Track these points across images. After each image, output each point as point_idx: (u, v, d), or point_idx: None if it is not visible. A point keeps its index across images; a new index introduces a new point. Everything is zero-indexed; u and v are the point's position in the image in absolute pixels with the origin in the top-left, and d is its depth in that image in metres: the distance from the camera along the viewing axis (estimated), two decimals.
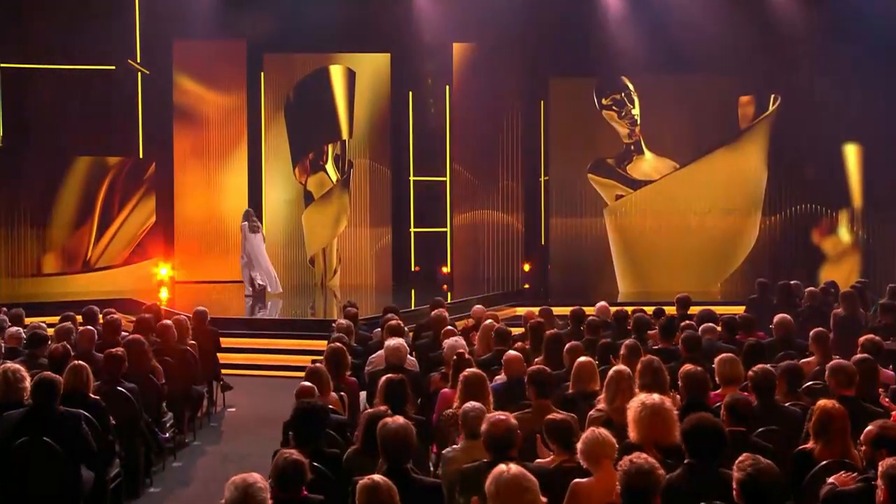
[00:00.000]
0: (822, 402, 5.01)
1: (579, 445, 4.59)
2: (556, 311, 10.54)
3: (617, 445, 4.56)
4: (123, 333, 9.07)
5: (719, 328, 8.63)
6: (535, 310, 9.99)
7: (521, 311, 13.25)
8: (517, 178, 18.46)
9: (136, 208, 17.63)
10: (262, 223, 16.77)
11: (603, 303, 10.50)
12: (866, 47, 15.44)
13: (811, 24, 16.62)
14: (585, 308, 9.62)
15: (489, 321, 8.65)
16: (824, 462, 4.79)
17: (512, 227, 18.49)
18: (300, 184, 18.45)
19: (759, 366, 6.01)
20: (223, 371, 10.65)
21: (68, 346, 7.60)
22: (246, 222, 16.22)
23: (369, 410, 5.61)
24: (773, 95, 17.50)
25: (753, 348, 7.05)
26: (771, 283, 12.01)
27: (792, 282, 11.66)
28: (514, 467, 3.86)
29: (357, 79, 18.37)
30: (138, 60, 17.66)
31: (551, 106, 18.34)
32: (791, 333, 8.42)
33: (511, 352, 7.10)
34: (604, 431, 4.60)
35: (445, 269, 18.71)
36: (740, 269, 17.67)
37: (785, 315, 8.66)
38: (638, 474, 3.91)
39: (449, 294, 16.71)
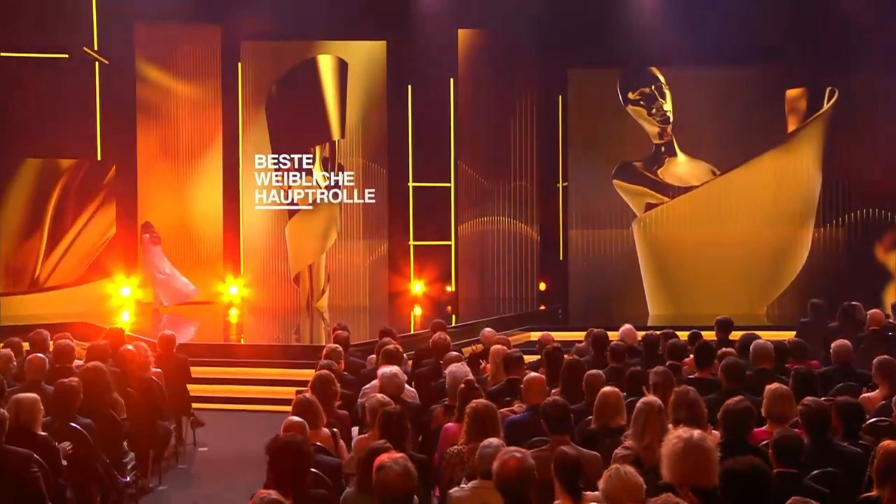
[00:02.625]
0: (885, 443, 4.98)
1: (601, 484, 4.56)
2: (576, 335, 10.55)
3: (645, 487, 4.54)
4: (78, 362, 9.07)
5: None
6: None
7: (535, 335, 13.23)
8: (531, 184, 18.49)
9: (93, 218, 17.62)
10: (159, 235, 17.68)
11: (628, 326, 10.48)
12: None
13: (871, 6, 16.62)
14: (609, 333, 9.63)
15: (499, 346, 8.65)
16: None
17: (526, 240, 18.51)
18: (283, 191, 18.48)
19: (810, 398, 5.99)
20: (194, 405, 10.66)
21: (1, 378, 7.56)
22: (147, 234, 17.38)
23: (370, 445, 5.59)
24: (828, 89, 17.51)
25: (804, 377, 7.03)
26: (825, 304, 11.98)
27: (854, 303, 11.63)
28: None
29: (349, 70, 18.43)
30: (95, 48, 17.70)
31: (570, 100, 18.39)
32: (851, 361, 8.41)
33: (532, 374, 7.07)
34: (630, 469, 4.56)
35: (449, 288, 18.71)
36: (790, 289, 17.66)
37: (844, 340, 8.64)
38: None
39: (454, 316, 16.73)
